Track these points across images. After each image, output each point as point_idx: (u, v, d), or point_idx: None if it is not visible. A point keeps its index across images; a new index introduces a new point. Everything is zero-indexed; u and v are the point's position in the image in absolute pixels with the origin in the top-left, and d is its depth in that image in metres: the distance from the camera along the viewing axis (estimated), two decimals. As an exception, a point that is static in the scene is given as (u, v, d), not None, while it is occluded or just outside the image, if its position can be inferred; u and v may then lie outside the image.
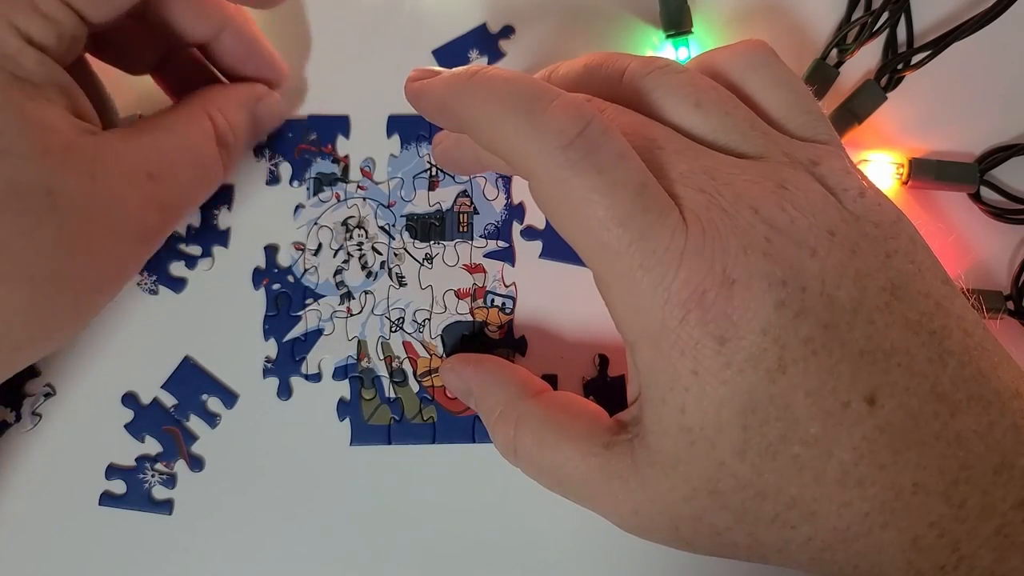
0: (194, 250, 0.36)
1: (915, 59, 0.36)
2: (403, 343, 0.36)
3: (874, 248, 0.25)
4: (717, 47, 0.30)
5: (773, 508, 0.25)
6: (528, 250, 0.36)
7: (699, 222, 0.24)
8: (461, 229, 0.36)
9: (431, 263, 0.36)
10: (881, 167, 0.36)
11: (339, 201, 0.36)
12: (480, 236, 0.36)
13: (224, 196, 0.36)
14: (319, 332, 0.36)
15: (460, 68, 0.28)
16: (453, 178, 0.37)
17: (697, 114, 0.27)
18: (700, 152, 0.27)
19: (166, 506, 0.35)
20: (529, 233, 0.36)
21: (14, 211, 0.26)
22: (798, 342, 0.24)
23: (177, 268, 0.36)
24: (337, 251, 0.36)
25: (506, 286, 0.36)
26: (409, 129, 0.37)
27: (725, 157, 0.27)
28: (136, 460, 0.35)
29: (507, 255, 0.36)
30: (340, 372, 0.36)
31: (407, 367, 0.36)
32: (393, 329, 0.36)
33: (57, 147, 0.27)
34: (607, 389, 0.36)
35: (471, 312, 0.36)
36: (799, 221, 0.25)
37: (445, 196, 0.37)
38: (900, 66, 0.37)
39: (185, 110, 0.32)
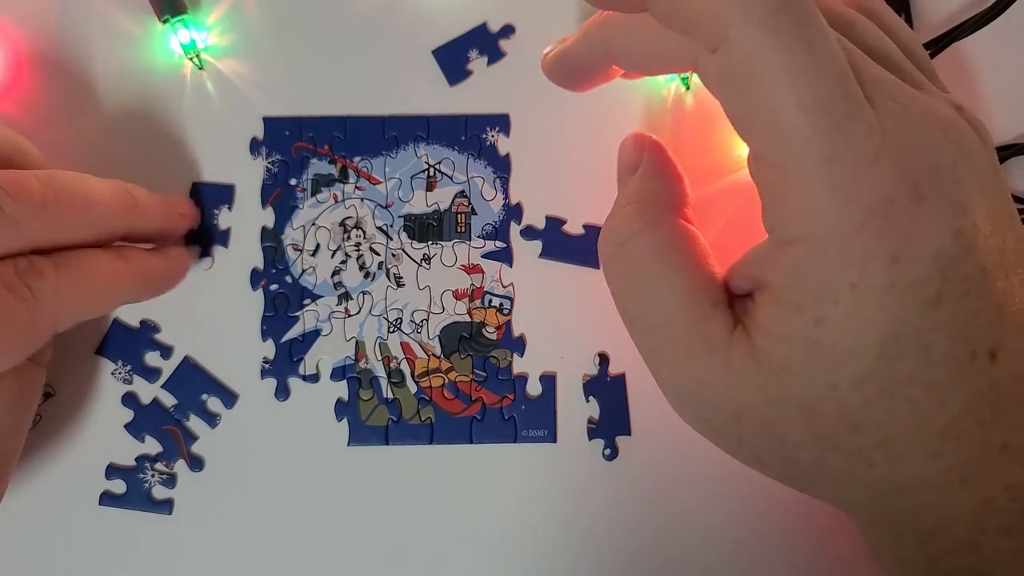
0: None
1: (915, 59, 0.36)
2: (401, 344, 0.36)
3: (1009, 206, 0.25)
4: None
5: (860, 442, 0.24)
6: (526, 250, 0.36)
7: (896, 128, 0.23)
8: (459, 229, 0.36)
9: (429, 264, 0.36)
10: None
11: (337, 202, 0.36)
12: (478, 236, 0.36)
13: (225, 196, 0.36)
14: (317, 333, 0.36)
15: None
16: (451, 179, 0.37)
17: (855, 32, 0.26)
18: (877, 66, 0.25)
19: (166, 506, 0.35)
20: (529, 233, 0.36)
21: None
22: (959, 278, 0.23)
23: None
24: (335, 252, 0.36)
25: (504, 286, 0.36)
26: (407, 129, 0.37)
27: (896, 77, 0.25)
28: (136, 460, 0.35)
29: (505, 255, 0.36)
30: (338, 373, 0.36)
31: (405, 368, 0.36)
32: (391, 330, 0.36)
33: None
34: (607, 389, 0.36)
35: (469, 312, 0.36)
36: (976, 155, 0.24)
37: (443, 196, 0.37)
38: (900, 66, 0.37)
39: None
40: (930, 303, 0.23)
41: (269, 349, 0.36)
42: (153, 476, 0.35)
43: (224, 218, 0.36)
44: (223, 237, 0.36)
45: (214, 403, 0.36)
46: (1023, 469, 0.24)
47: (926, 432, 0.24)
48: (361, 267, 0.36)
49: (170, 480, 0.35)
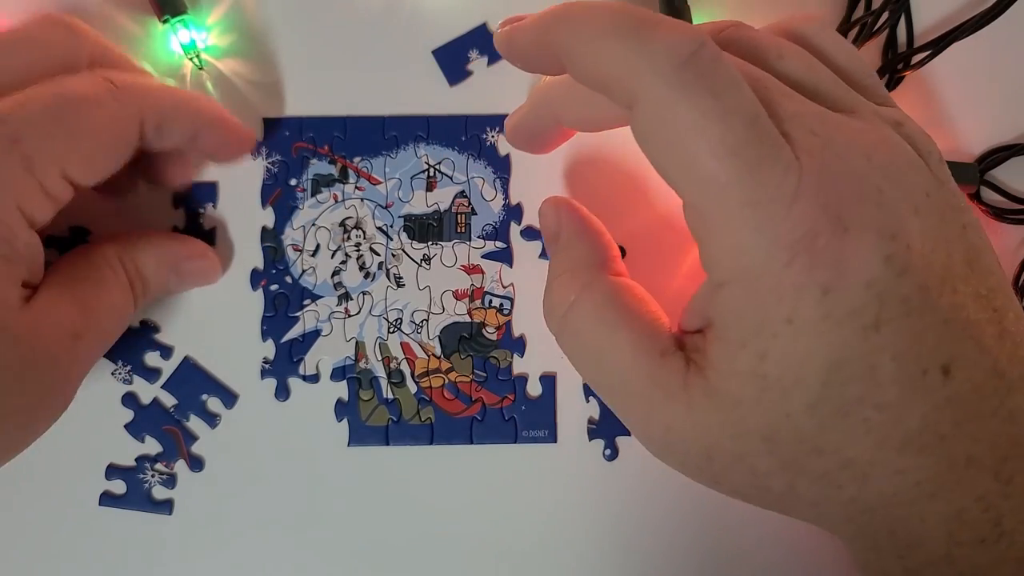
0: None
1: (915, 59, 0.36)
2: (401, 344, 0.36)
3: (955, 217, 0.25)
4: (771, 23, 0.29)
5: (825, 465, 0.24)
6: (526, 250, 0.36)
7: (814, 164, 0.23)
8: (459, 230, 0.36)
9: (429, 264, 0.36)
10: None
11: (337, 202, 0.36)
12: (478, 237, 0.36)
13: (208, 194, 0.36)
14: (317, 333, 0.36)
15: (553, 5, 0.26)
16: (451, 179, 0.37)
17: (782, 64, 0.26)
18: (802, 98, 0.25)
19: (166, 506, 0.35)
20: (529, 233, 0.36)
21: None
22: (897, 301, 0.23)
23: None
24: (335, 252, 0.36)
25: (504, 287, 0.36)
26: (407, 129, 0.37)
27: (824, 108, 0.25)
28: (136, 460, 0.35)
29: (505, 256, 0.36)
30: (338, 373, 0.36)
31: (405, 368, 0.36)
32: (391, 330, 0.36)
33: (6, 325, 0.27)
34: (606, 389, 0.36)
35: (469, 313, 0.36)
36: (906, 177, 0.24)
37: (443, 197, 0.37)
38: (900, 66, 0.37)
39: (101, 262, 0.32)
40: (870, 328, 0.23)
41: (269, 349, 0.36)
42: (153, 476, 0.35)
43: (209, 217, 0.36)
44: (210, 235, 0.36)
45: (214, 403, 0.36)
46: (991, 479, 0.24)
47: (886, 450, 0.24)
48: (361, 267, 0.36)
49: (170, 480, 0.35)
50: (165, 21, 0.36)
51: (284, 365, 0.36)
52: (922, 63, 0.36)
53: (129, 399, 0.35)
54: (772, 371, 0.24)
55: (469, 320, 0.36)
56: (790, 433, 0.24)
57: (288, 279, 0.36)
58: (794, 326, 0.23)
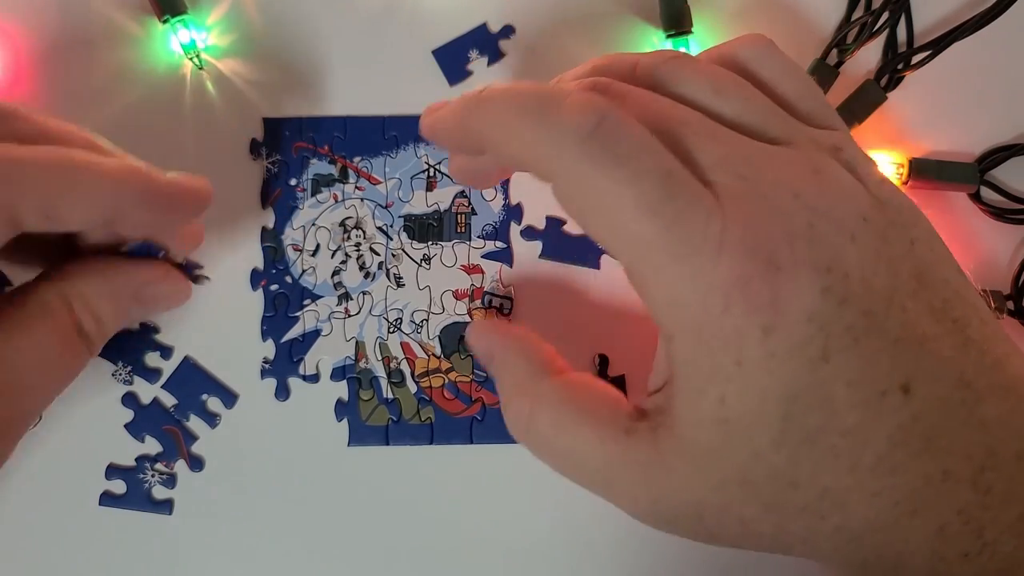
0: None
1: (915, 59, 0.36)
2: (401, 344, 0.36)
3: (900, 235, 0.25)
4: (718, 44, 0.30)
5: (804, 498, 0.25)
6: (527, 250, 0.36)
7: (739, 209, 0.24)
8: (459, 230, 0.36)
9: (429, 264, 0.36)
10: (881, 167, 0.36)
11: (337, 202, 0.36)
12: (478, 237, 0.36)
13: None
14: (317, 333, 0.36)
15: (468, 92, 0.28)
16: (451, 179, 0.37)
17: (718, 100, 0.27)
18: (733, 136, 0.26)
19: (166, 506, 0.35)
20: (529, 233, 0.36)
21: None
22: (842, 330, 0.23)
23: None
24: (335, 252, 0.36)
25: (504, 287, 0.36)
26: (407, 129, 0.37)
27: (755, 142, 0.26)
28: (136, 460, 0.35)
29: (505, 256, 0.36)
30: (338, 373, 0.36)
31: (405, 368, 0.36)
32: (391, 330, 0.36)
33: None
34: (606, 389, 0.36)
35: (469, 313, 0.36)
36: (837, 206, 0.24)
37: (443, 197, 0.37)
38: (900, 66, 0.37)
39: (38, 302, 0.28)
40: (818, 359, 0.23)
41: (269, 349, 0.36)
42: (153, 476, 0.35)
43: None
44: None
45: (214, 403, 0.36)
46: (970, 491, 0.24)
47: (859, 474, 0.24)
48: (361, 267, 0.36)
49: (170, 480, 0.35)
50: (165, 21, 0.36)
51: (284, 365, 0.36)
52: (922, 63, 0.36)
53: (129, 399, 0.35)
54: (733, 413, 0.24)
55: (469, 320, 0.36)
56: (763, 472, 0.25)
57: (288, 279, 0.36)
58: (744, 368, 0.24)
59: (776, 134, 0.26)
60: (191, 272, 0.33)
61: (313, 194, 0.36)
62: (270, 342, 0.36)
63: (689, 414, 0.25)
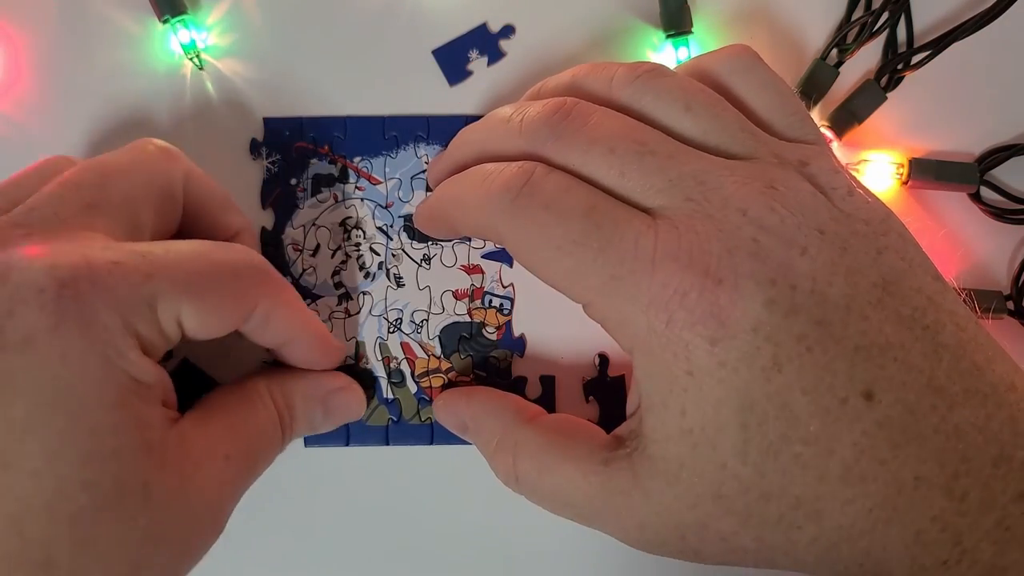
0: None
1: (915, 59, 0.36)
2: (401, 344, 0.36)
3: (865, 245, 0.25)
4: (701, 54, 0.31)
5: (778, 509, 0.25)
6: (526, 251, 0.36)
7: (674, 228, 0.25)
8: (459, 230, 0.36)
9: (429, 264, 0.36)
10: (881, 167, 0.36)
11: (337, 202, 0.36)
12: (478, 237, 0.36)
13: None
14: (317, 333, 0.36)
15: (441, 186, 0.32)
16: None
17: (687, 117, 0.28)
18: (691, 155, 0.27)
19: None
20: (528, 233, 0.36)
21: (115, 507, 0.25)
22: (792, 339, 0.24)
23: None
24: (335, 252, 0.36)
25: (504, 287, 0.36)
26: (407, 129, 0.37)
27: (716, 159, 0.27)
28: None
29: (505, 256, 0.36)
30: (338, 373, 0.36)
31: (405, 368, 0.36)
32: (391, 330, 0.36)
33: (156, 444, 0.26)
34: (607, 389, 0.36)
35: (469, 313, 0.36)
36: (788, 220, 0.25)
37: (443, 197, 0.36)
38: (900, 66, 0.37)
39: (256, 391, 0.31)
40: (770, 369, 0.24)
41: (269, 349, 0.36)
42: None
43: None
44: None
45: (214, 403, 0.35)
46: (944, 498, 0.24)
47: (828, 483, 0.24)
48: (361, 267, 0.36)
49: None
50: (165, 21, 0.36)
51: (284, 365, 0.36)
52: (922, 63, 0.36)
53: (129, 399, 0.35)
54: (695, 424, 0.25)
55: (469, 320, 0.36)
56: (734, 485, 0.25)
57: (288, 279, 0.36)
58: (696, 377, 0.25)
59: (738, 150, 0.27)
60: None
61: (313, 194, 0.36)
62: (270, 342, 0.36)
63: (656, 430, 0.26)
